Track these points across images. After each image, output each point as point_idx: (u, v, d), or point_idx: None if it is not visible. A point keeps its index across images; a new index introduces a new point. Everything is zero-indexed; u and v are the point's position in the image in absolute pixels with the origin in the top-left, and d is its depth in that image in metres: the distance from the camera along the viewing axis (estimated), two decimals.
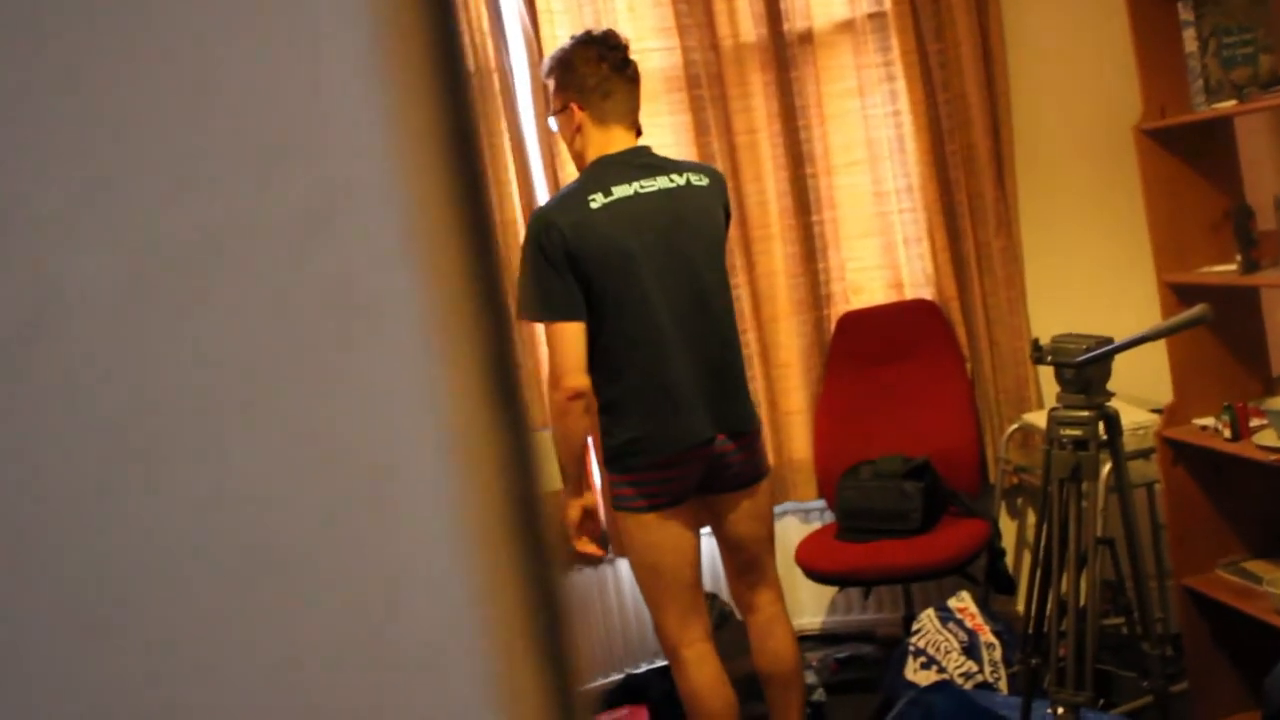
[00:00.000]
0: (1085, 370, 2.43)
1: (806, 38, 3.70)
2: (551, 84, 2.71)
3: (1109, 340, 2.44)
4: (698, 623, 2.73)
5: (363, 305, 0.40)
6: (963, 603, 3.28)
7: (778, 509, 3.64)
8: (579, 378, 2.54)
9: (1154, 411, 3.13)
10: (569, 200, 2.60)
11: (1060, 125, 3.57)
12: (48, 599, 0.41)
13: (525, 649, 0.43)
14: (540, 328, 3.05)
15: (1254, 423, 2.77)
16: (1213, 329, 2.86)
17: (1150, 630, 2.55)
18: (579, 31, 2.77)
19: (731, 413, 2.67)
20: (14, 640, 0.41)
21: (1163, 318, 2.84)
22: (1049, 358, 2.48)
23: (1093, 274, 3.57)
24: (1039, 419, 3.18)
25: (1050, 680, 2.51)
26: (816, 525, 3.81)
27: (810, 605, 3.96)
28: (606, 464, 2.69)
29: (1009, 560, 3.64)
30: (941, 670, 3.13)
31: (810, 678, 3.40)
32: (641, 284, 2.57)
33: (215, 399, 0.41)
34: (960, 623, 3.22)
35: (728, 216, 2.78)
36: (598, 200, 2.57)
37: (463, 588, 0.41)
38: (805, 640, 3.82)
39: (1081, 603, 2.44)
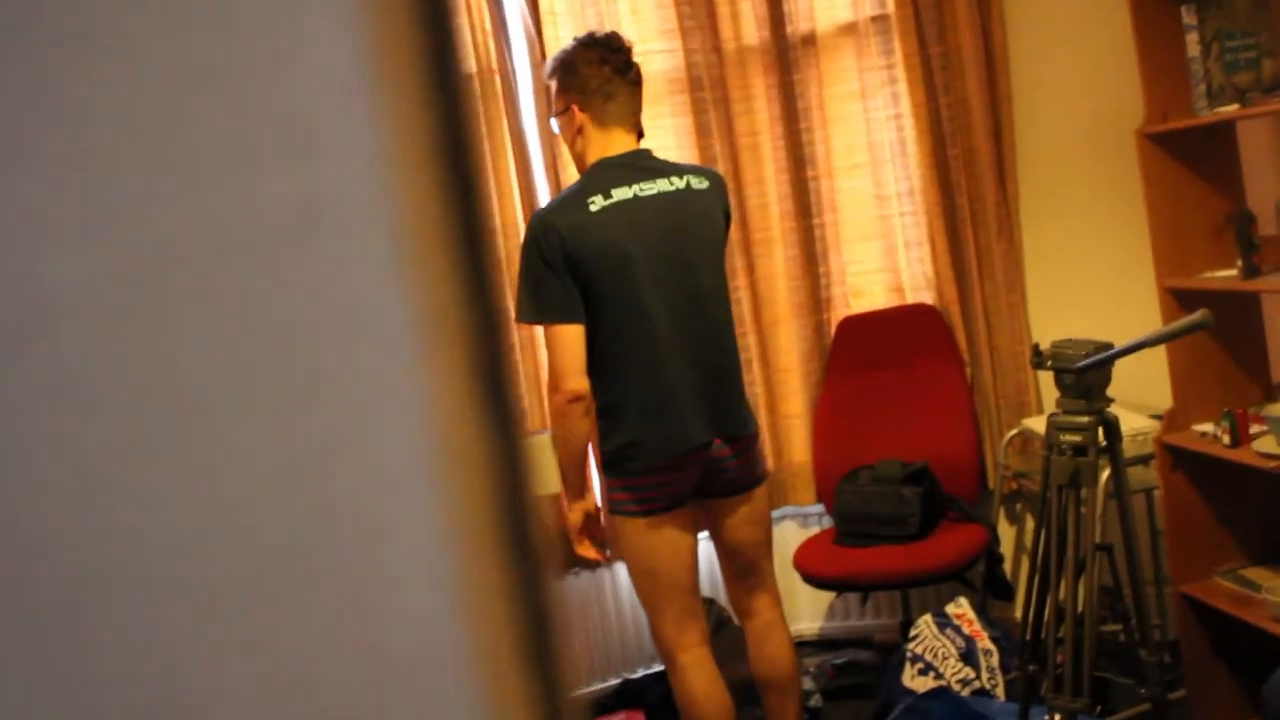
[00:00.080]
0: (1085, 376, 2.43)
1: (809, 40, 3.71)
2: (554, 85, 2.71)
3: (1109, 345, 2.44)
4: (695, 628, 2.72)
5: (351, 309, 0.40)
6: (960, 609, 3.27)
7: (776, 513, 3.64)
8: (578, 380, 2.54)
9: (1153, 417, 3.12)
10: (568, 202, 2.60)
11: (1062, 129, 3.57)
12: (37, 600, 0.40)
13: (513, 655, 0.42)
14: (540, 330, 3.05)
15: (1254, 429, 2.77)
16: (1213, 334, 2.85)
17: (1148, 637, 2.54)
18: (582, 33, 2.76)
19: (728, 417, 2.66)
20: (2, 640, 0.41)
21: (1163, 323, 2.83)
22: (1049, 363, 2.48)
23: (1093, 279, 3.56)
24: (1038, 424, 3.18)
25: (1048, 687, 2.51)
26: (815, 530, 3.80)
27: (808, 610, 3.95)
28: (603, 468, 2.69)
29: (1007, 566, 3.64)
30: (939, 676, 3.12)
31: (807, 683, 3.39)
32: (639, 287, 2.57)
33: (203, 402, 0.40)
34: (958, 629, 3.21)
35: (728, 220, 2.77)
36: (597, 203, 2.56)
37: (450, 594, 0.41)
38: (803, 645, 3.82)
39: (1079, 609, 2.44)
